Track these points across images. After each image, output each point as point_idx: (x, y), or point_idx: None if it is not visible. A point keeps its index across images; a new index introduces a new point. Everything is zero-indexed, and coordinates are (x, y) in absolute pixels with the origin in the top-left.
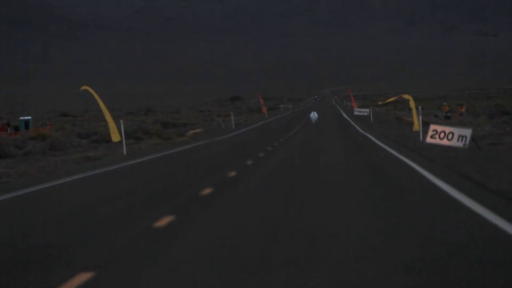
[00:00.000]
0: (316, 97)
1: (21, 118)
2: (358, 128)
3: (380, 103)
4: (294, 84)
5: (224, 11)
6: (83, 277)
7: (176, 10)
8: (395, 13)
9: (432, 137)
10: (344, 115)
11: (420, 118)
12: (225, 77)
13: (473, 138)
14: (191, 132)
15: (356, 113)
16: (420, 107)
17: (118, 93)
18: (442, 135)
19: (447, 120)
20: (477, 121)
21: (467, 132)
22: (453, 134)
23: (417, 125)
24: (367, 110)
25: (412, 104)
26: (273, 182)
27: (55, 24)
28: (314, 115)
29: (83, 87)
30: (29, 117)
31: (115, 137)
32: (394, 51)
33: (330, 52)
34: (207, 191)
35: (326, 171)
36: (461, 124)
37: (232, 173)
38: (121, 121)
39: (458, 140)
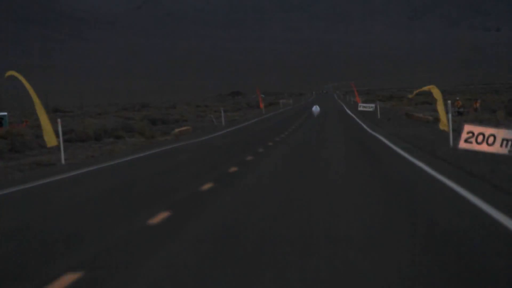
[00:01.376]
0: (319, 92)
1: None
2: (365, 126)
3: (410, 96)
4: (296, 80)
5: (225, 6)
6: None
7: (177, 5)
8: (397, 8)
9: (467, 141)
10: (348, 110)
11: (450, 116)
12: (226, 72)
13: None
14: (176, 130)
15: (360, 108)
16: (449, 102)
17: (119, 89)
18: (480, 138)
19: (460, 116)
20: (495, 117)
21: None
22: (494, 137)
23: (445, 124)
24: (372, 105)
25: (438, 96)
26: (236, 231)
27: (55, 20)
28: (316, 108)
29: (8, 73)
30: (5, 113)
31: (51, 140)
32: (396, 46)
33: (332, 47)
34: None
35: (327, 204)
36: (477, 121)
37: (163, 215)
38: (58, 120)
39: (501, 145)
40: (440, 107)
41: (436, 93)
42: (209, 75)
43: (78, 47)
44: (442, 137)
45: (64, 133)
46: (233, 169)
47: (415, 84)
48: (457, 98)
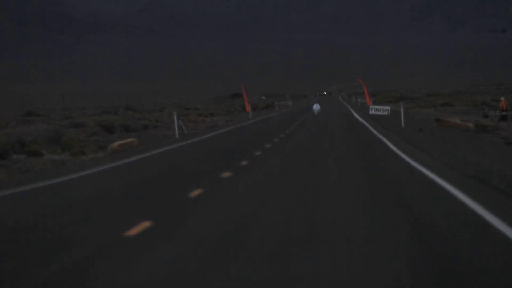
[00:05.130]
0: (321, 94)
1: None
2: (390, 145)
3: None
4: (300, 81)
5: (229, 7)
6: None
7: (180, 6)
8: (402, 9)
9: None
10: (356, 115)
11: None
12: (230, 74)
13: None
14: (116, 143)
15: (372, 112)
16: None
17: (122, 91)
18: None
19: (503, 121)
20: None
21: None
22: None
23: None
24: (388, 108)
25: None
26: None
27: (59, 22)
28: (316, 107)
29: None
30: None
31: None
32: (401, 47)
33: (336, 49)
34: None
35: None
36: None
37: None
38: None
39: None
40: None
41: None
42: (212, 77)
43: (80, 50)
44: None
45: None
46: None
47: (421, 84)
48: (502, 98)
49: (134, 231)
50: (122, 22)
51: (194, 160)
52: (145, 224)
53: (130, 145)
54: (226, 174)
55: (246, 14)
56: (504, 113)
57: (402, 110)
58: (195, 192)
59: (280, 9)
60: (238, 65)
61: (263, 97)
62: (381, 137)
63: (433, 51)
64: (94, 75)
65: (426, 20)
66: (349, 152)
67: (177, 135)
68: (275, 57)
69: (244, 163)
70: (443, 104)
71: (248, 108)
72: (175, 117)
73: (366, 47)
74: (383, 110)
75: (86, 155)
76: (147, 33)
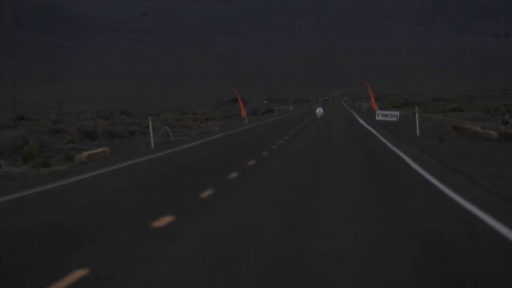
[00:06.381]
0: (324, 98)
1: None
2: (411, 163)
3: None
4: (303, 86)
5: (231, 12)
6: None
7: (183, 11)
8: (405, 14)
9: None
10: (362, 121)
11: None
12: (232, 78)
13: None
14: (85, 154)
15: (379, 117)
16: None
17: (125, 94)
18: None
19: None
20: None
21: None
22: None
23: None
24: (396, 113)
25: None
26: None
27: (62, 26)
28: (319, 110)
29: None
30: None
31: None
32: (404, 52)
33: (339, 53)
34: None
35: None
36: None
37: None
38: None
39: None
40: None
41: None
42: (214, 81)
43: (81, 53)
44: None
45: None
46: None
47: (424, 90)
48: None
49: None
50: (124, 26)
51: (143, 184)
52: None
53: (100, 156)
54: (165, 220)
55: (249, 19)
56: None
57: (417, 116)
58: (80, 272)
59: (282, 14)
60: (240, 69)
61: (265, 102)
62: (395, 149)
63: (437, 56)
64: (95, 79)
65: (429, 25)
66: (356, 175)
67: (152, 145)
68: (277, 62)
69: (207, 193)
70: (452, 110)
71: (244, 113)
72: (150, 123)
73: (369, 52)
74: (391, 115)
75: (50, 167)
76: (149, 37)
